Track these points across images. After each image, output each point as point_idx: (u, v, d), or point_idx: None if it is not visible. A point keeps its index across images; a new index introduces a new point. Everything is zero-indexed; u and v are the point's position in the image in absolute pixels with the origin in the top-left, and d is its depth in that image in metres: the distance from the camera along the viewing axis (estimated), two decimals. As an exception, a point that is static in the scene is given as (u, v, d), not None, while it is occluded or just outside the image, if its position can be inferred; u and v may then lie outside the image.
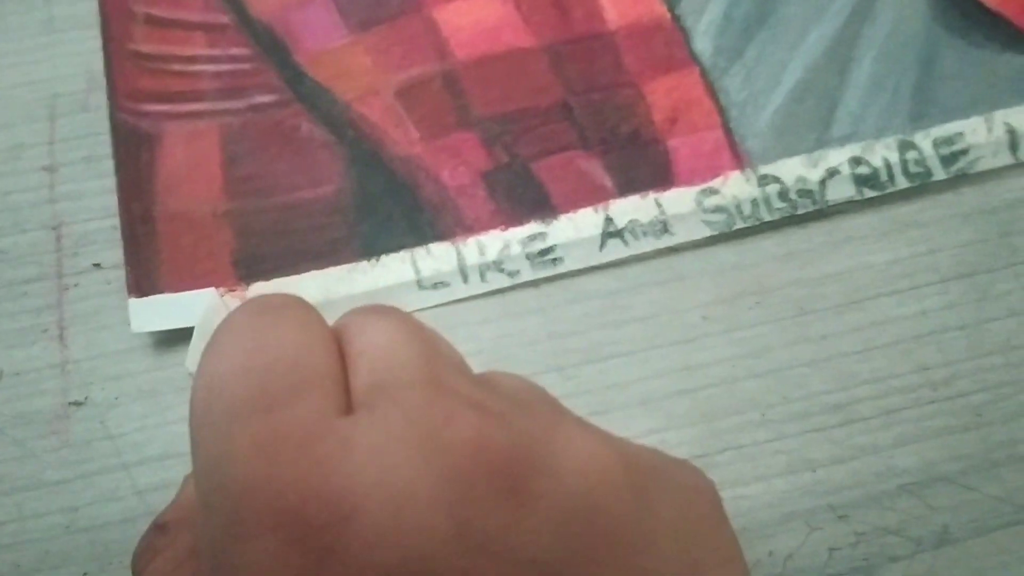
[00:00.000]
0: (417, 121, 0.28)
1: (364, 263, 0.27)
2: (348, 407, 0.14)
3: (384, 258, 0.27)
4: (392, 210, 0.27)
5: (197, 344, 0.25)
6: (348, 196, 0.27)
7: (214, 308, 0.25)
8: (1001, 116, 0.28)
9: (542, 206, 0.27)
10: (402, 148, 0.28)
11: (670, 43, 0.29)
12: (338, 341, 0.15)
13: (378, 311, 0.16)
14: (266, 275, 0.26)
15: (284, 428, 0.13)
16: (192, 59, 0.29)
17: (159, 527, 0.17)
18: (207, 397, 0.14)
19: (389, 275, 0.26)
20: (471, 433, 0.13)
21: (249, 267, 0.26)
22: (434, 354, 0.15)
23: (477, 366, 0.24)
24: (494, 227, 0.27)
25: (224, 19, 0.29)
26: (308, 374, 0.14)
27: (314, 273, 0.26)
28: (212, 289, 0.26)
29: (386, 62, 0.29)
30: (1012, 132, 0.27)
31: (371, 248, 0.27)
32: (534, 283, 0.26)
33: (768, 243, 0.27)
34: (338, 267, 0.26)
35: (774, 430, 0.25)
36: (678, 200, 0.27)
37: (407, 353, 0.15)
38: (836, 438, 0.25)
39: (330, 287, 0.26)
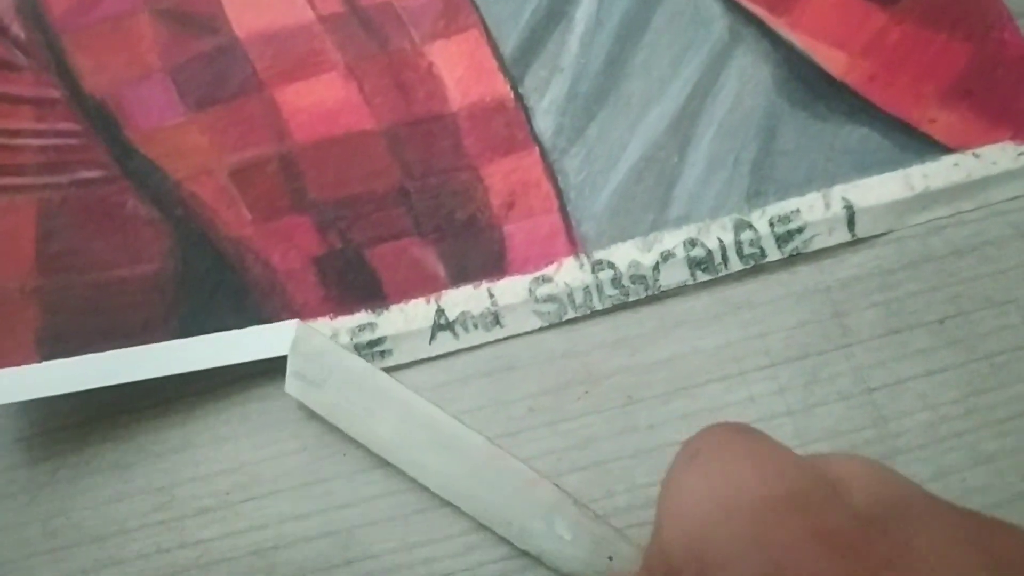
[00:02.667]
0: (250, 203, 0.28)
1: (180, 343, 0.26)
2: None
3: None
4: (217, 291, 0.27)
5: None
6: (170, 275, 0.27)
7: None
8: (840, 191, 0.28)
9: (374, 294, 0.27)
10: (233, 229, 0.28)
11: (511, 123, 0.29)
12: None
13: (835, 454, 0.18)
14: (71, 353, 0.26)
15: (831, 525, 0.15)
16: (16, 133, 0.29)
17: None
18: (730, 495, 0.16)
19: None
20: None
21: (53, 345, 0.26)
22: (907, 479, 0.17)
23: (300, 465, 0.24)
24: (323, 314, 0.27)
25: (55, 94, 0.29)
26: (818, 484, 0.16)
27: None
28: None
29: (222, 142, 0.28)
30: (850, 207, 0.27)
31: (190, 329, 0.26)
32: (362, 377, 0.26)
33: (599, 329, 0.26)
34: (154, 345, 0.26)
35: (596, 525, 0.25)
36: (510, 290, 0.27)
37: (897, 479, 0.17)
38: (658, 532, 0.24)
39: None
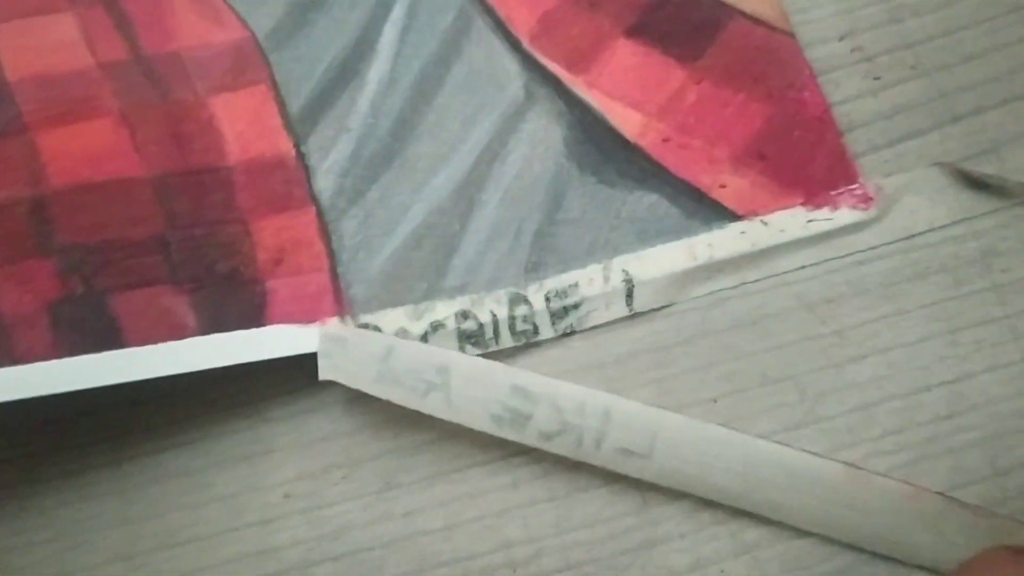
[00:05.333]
0: (-12, 245, 0.26)
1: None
2: None
3: None
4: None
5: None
6: None
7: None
8: (620, 262, 0.27)
9: (110, 341, 0.26)
10: (-39, 274, 0.26)
11: (289, 181, 0.28)
12: None
13: None
14: None
15: None
16: None
17: None
18: None
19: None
20: None
21: None
22: None
23: (48, 555, 0.22)
24: (49, 360, 0.25)
25: None
26: None
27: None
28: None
29: (-34, 184, 0.27)
30: (629, 281, 0.27)
31: None
32: (116, 462, 0.25)
33: (362, 409, 0.25)
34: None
35: (343, 619, 0.24)
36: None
37: None
38: (405, 626, 0.24)
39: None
